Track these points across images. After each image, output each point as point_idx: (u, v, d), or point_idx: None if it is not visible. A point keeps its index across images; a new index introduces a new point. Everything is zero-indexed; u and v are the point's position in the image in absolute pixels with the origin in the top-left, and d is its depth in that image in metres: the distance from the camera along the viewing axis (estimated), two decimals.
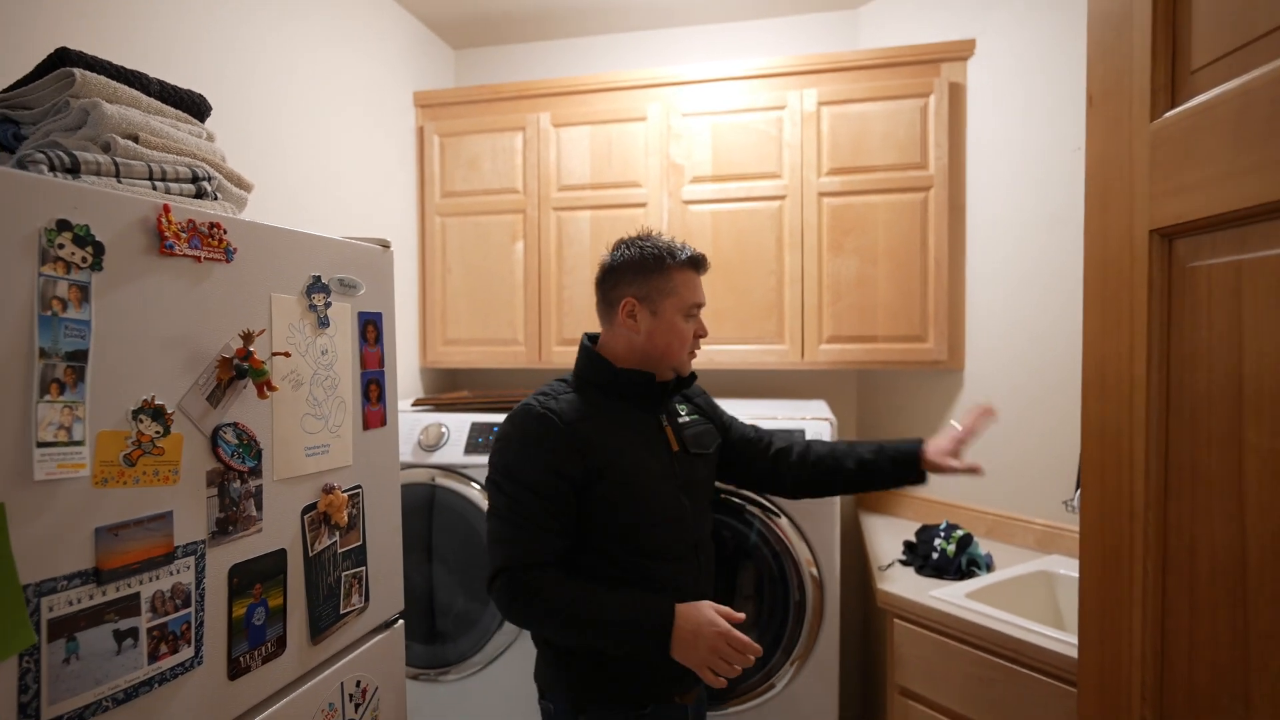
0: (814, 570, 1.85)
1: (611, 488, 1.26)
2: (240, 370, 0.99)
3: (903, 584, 1.77)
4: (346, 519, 1.21)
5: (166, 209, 0.91)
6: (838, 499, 1.86)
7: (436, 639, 2.08)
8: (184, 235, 0.93)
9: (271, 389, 1.03)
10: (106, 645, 0.83)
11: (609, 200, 2.36)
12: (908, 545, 1.96)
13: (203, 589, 0.95)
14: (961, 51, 2.12)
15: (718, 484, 1.57)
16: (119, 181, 0.94)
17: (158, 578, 0.89)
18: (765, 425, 1.74)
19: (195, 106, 1.15)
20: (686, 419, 1.42)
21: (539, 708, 1.37)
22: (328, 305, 1.18)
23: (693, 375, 1.43)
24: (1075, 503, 1.37)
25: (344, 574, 1.22)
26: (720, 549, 1.72)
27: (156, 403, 0.89)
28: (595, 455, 1.25)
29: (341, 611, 1.21)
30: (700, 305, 1.36)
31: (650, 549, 1.30)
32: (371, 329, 1.29)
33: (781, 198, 2.23)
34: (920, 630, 1.66)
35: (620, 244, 1.37)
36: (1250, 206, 0.64)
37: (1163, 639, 0.78)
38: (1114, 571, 0.85)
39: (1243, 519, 0.66)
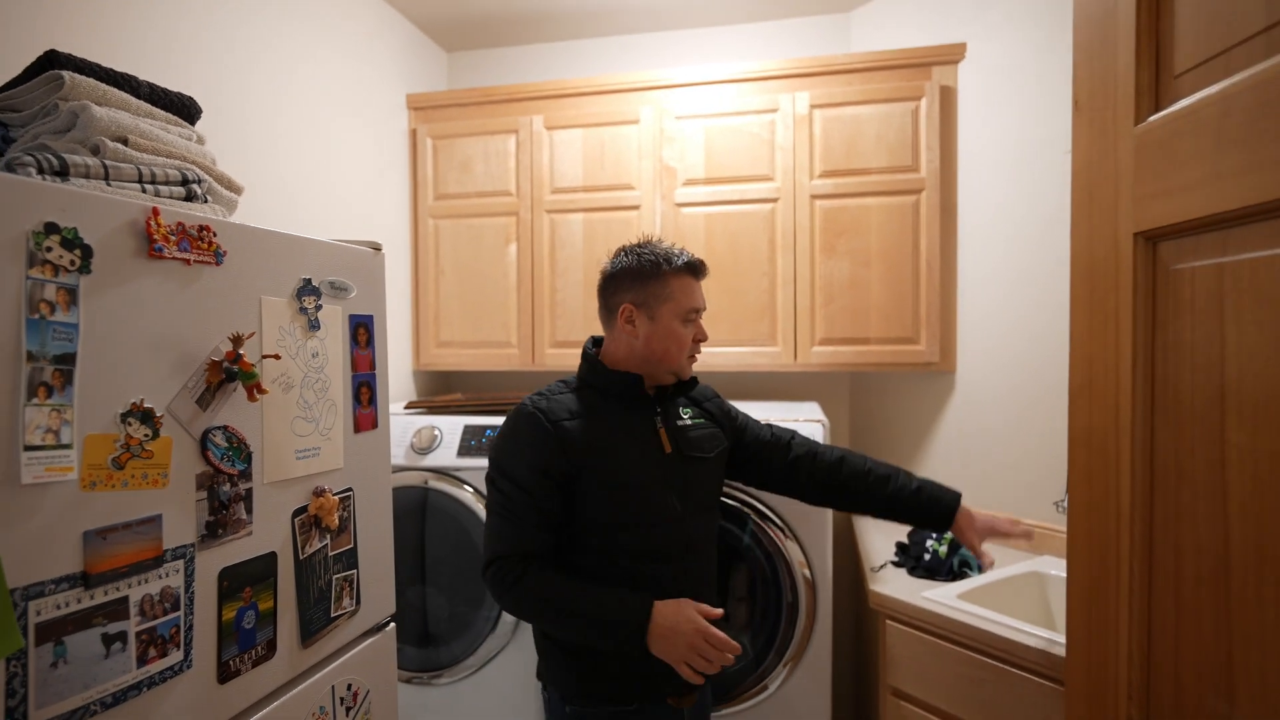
0: (806, 571, 1.85)
1: (595, 486, 1.30)
2: (230, 373, 0.99)
3: (895, 585, 1.78)
4: (337, 522, 1.21)
5: (156, 212, 0.90)
6: None
7: (429, 642, 2.07)
8: (173, 238, 0.93)
9: (261, 392, 1.03)
10: (95, 649, 0.83)
11: (602, 203, 2.37)
12: (900, 546, 1.97)
13: (192, 592, 0.95)
14: (952, 55, 2.14)
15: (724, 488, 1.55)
16: (108, 184, 0.94)
17: (146, 581, 0.89)
18: None
19: (185, 109, 1.15)
20: (688, 422, 1.41)
21: (540, 699, 1.39)
22: (318, 308, 1.18)
23: (693, 380, 1.45)
24: (1065, 504, 1.37)
25: (335, 577, 1.22)
26: None
27: (145, 406, 0.89)
28: (579, 454, 1.29)
29: (332, 615, 1.21)
30: (698, 310, 1.37)
31: (636, 548, 1.31)
32: (363, 331, 1.29)
33: (774, 200, 2.24)
34: (912, 631, 1.67)
35: (620, 251, 1.40)
36: (1232, 210, 0.65)
37: (1149, 639, 0.79)
38: (1101, 572, 0.85)
39: (1226, 519, 0.67)
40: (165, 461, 0.91)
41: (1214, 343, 0.69)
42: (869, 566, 1.93)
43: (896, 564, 1.93)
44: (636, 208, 2.34)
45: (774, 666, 1.86)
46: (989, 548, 1.47)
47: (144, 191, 0.98)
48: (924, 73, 2.16)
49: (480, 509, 2.00)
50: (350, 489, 1.26)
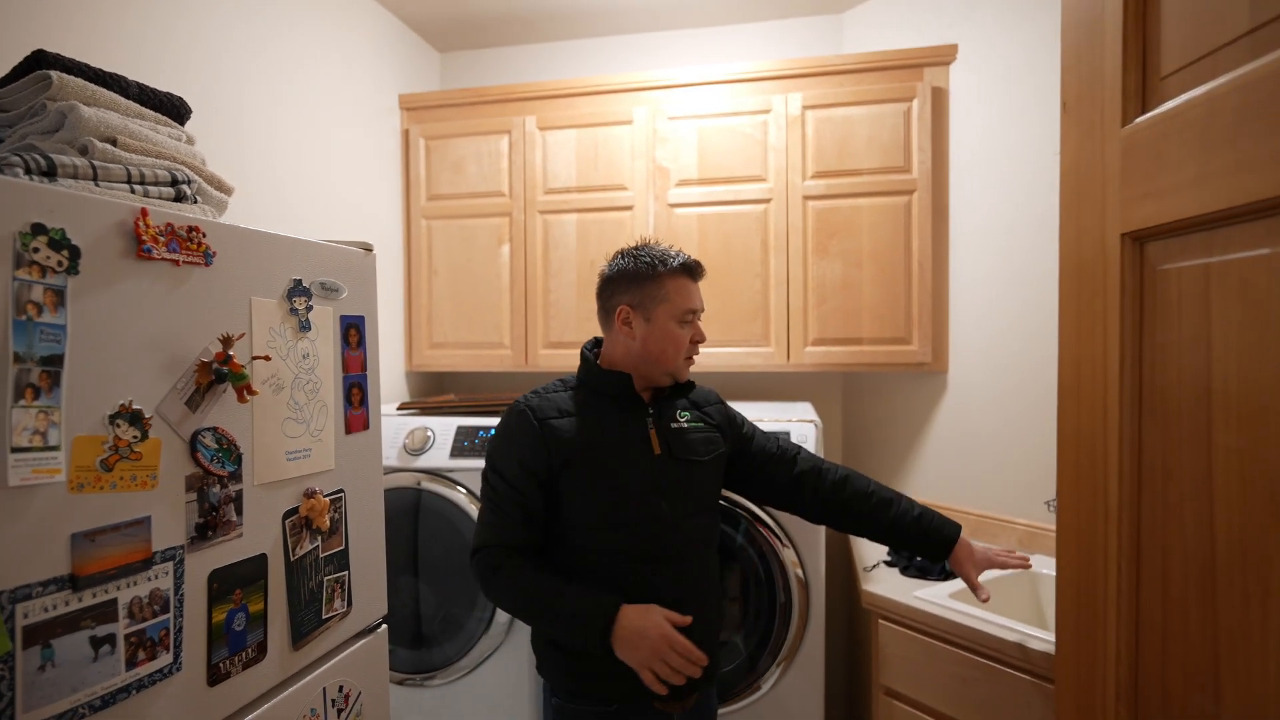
0: (800, 572, 1.85)
1: (580, 484, 1.31)
2: (220, 374, 0.99)
3: (887, 585, 1.78)
4: (329, 523, 1.21)
5: (144, 213, 0.90)
6: None
7: (422, 644, 2.07)
8: (162, 239, 0.92)
9: (251, 393, 1.03)
10: (83, 652, 0.82)
11: (595, 203, 2.37)
12: None
13: (181, 594, 0.95)
14: (944, 56, 2.14)
15: None
16: (96, 185, 0.94)
17: (135, 583, 0.89)
18: None
19: (175, 109, 1.15)
20: (684, 425, 1.40)
21: (534, 699, 1.39)
22: (309, 309, 1.17)
23: (690, 383, 1.45)
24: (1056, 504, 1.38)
25: (326, 579, 1.21)
26: None
27: (134, 407, 0.88)
28: (562, 451, 1.30)
29: (324, 616, 1.20)
30: (695, 311, 1.37)
31: (621, 549, 1.31)
32: (354, 332, 1.29)
33: (767, 201, 2.24)
34: (904, 630, 1.67)
35: (618, 254, 1.41)
36: (1217, 210, 0.66)
37: (1137, 636, 0.79)
38: (1090, 571, 0.86)
39: (1212, 518, 0.68)
40: (154, 463, 0.91)
41: (1200, 343, 0.69)
42: (861, 566, 1.93)
43: (889, 564, 1.94)
44: (630, 208, 2.34)
45: (768, 666, 1.86)
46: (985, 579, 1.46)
47: (133, 192, 0.98)
48: (916, 74, 2.17)
49: (473, 510, 2.00)
50: (342, 490, 1.26)
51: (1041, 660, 1.38)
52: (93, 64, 1.04)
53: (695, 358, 1.42)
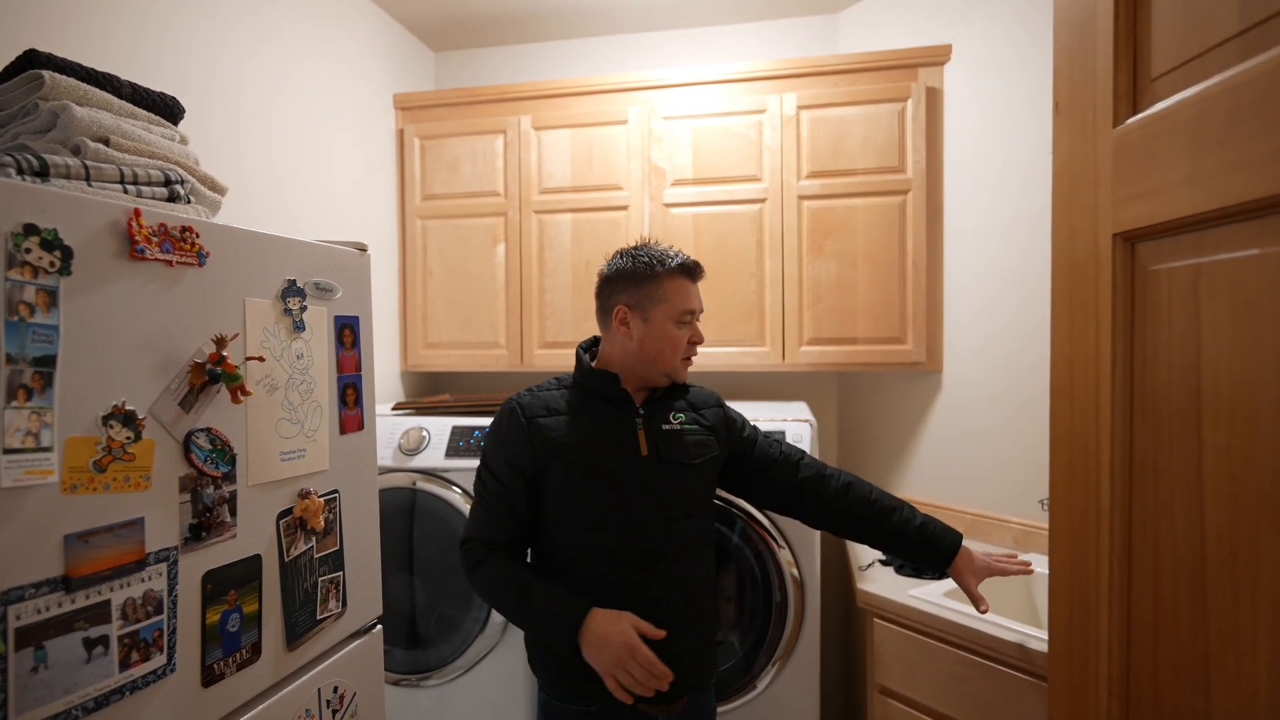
0: (795, 571, 1.86)
1: (563, 483, 1.31)
2: (213, 375, 0.99)
3: (882, 584, 1.79)
4: (323, 524, 1.21)
5: (137, 213, 0.90)
6: None
7: (417, 644, 2.07)
8: (155, 239, 0.92)
9: (245, 394, 1.03)
10: (76, 653, 0.82)
11: (590, 203, 2.37)
12: None
13: (175, 595, 0.94)
14: (938, 56, 2.15)
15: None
16: (89, 185, 0.93)
17: (129, 585, 0.89)
18: None
19: (168, 109, 1.14)
20: (676, 427, 1.38)
21: (529, 698, 1.41)
22: (303, 309, 1.17)
23: (685, 386, 1.45)
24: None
25: (321, 579, 1.21)
26: None
27: (127, 408, 0.88)
28: (547, 449, 1.31)
29: (318, 617, 1.20)
30: (692, 312, 1.37)
31: (603, 549, 1.30)
32: (348, 333, 1.29)
33: (762, 201, 2.25)
34: (899, 629, 1.68)
35: (616, 254, 1.41)
36: (1207, 211, 0.66)
37: (1128, 634, 0.80)
38: (1082, 569, 0.86)
39: (1202, 516, 0.68)
40: (147, 464, 0.91)
41: (1190, 343, 0.69)
42: (856, 565, 1.94)
43: (884, 563, 1.94)
44: (625, 208, 2.34)
45: (763, 665, 1.87)
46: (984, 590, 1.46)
47: (126, 192, 0.98)
48: (910, 74, 2.17)
49: (468, 510, 2.00)
50: (336, 491, 1.25)
51: (1036, 658, 1.39)
52: (88, 65, 1.04)
53: (693, 359, 1.42)
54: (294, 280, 1.16)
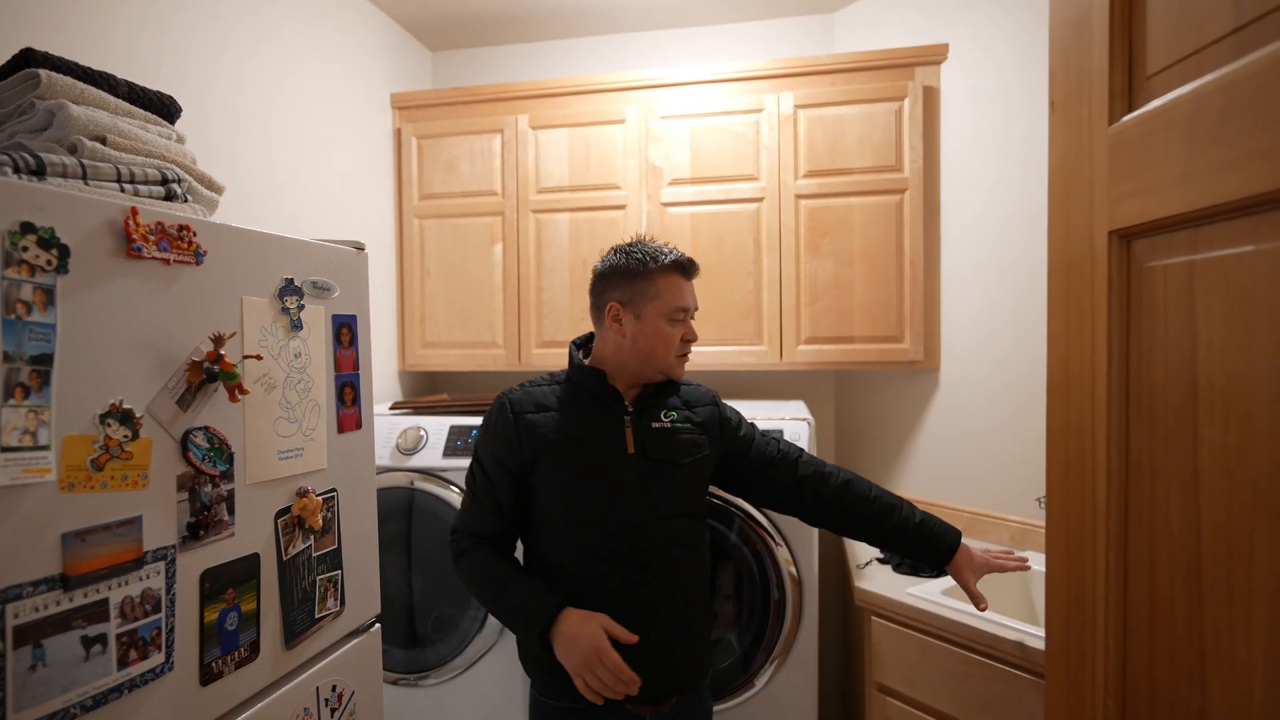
0: (793, 569, 1.86)
1: (549, 480, 1.32)
2: (211, 373, 0.99)
3: (880, 582, 1.79)
4: (321, 522, 1.21)
5: (134, 211, 0.90)
6: None
7: (416, 644, 2.07)
8: (152, 238, 0.92)
9: (243, 392, 1.03)
10: (74, 652, 0.82)
11: (588, 203, 2.37)
12: None
13: (173, 594, 0.94)
14: (935, 55, 2.15)
15: (711, 488, 1.51)
16: (86, 184, 0.93)
17: (127, 583, 0.89)
18: None
19: (165, 108, 1.14)
20: (667, 425, 1.37)
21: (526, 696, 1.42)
22: (300, 308, 1.17)
23: (678, 383, 1.44)
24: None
25: (319, 578, 1.21)
26: None
27: (125, 407, 0.88)
28: (534, 446, 1.31)
29: (316, 616, 1.20)
30: (686, 309, 1.36)
31: (589, 547, 1.30)
32: (346, 332, 1.29)
33: (759, 200, 2.25)
34: (897, 627, 1.68)
35: (610, 250, 1.40)
36: (1202, 208, 0.66)
37: (1124, 630, 0.80)
38: (1078, 566, 0.86)
39: (1198, 512, 0.68)
40: (145, 463, 0.91)
41: (1185, 339, 0.70)
42: (854, 564, 1.94)
43: (881, 561, 1.95)
44: (622, 207, 2.34)
45: (762, 664, 1.87)
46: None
47: (123, 191, 0.98)
48: (907, 73, 2.18)
49: None
50: (334, 489, 1.25)
51: (1033, 655, 1.39)
52: (87, 65, 1.04)
53: (689, 356, 1.41)
54: (291, 279, 1.16)
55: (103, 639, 0.85)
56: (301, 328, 1.18)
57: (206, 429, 1.00)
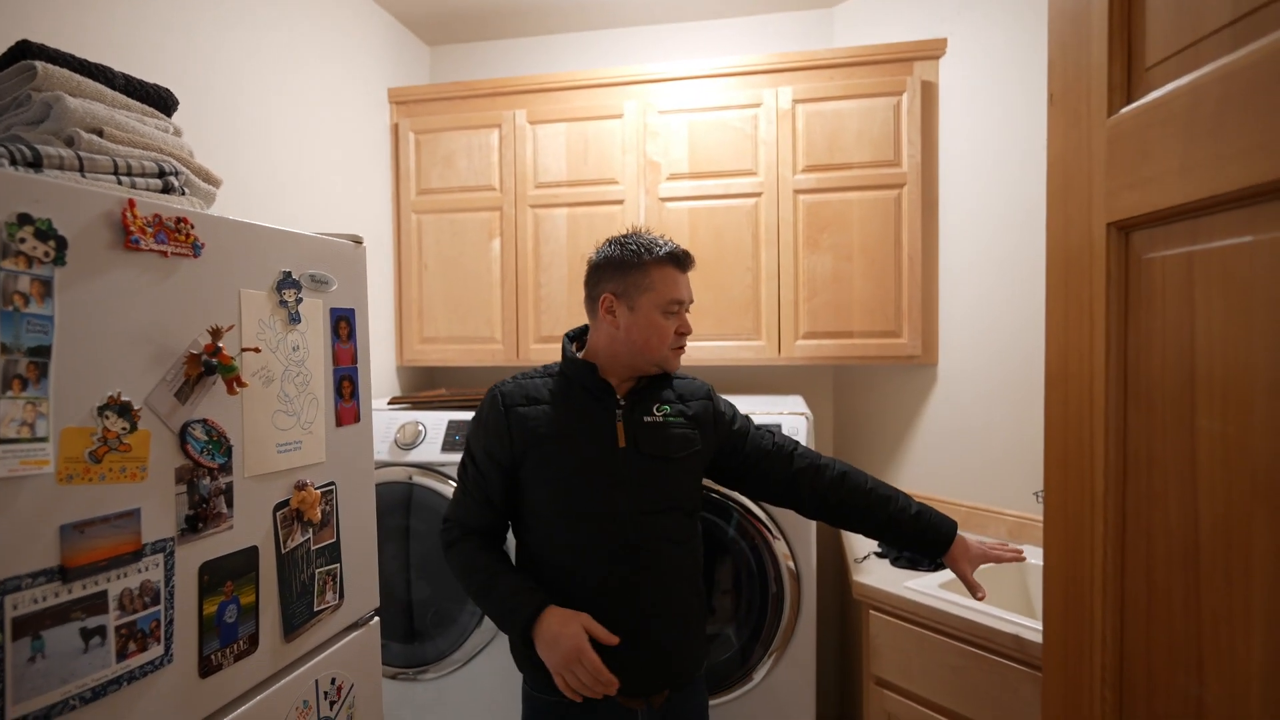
0: (791, 563, 1.86)
1: (538, 473, 1.32)
2: (209, 366, 0.98)
3: (878, 575, 1.80)
4: (320, 516, 1.21)
5: (131, 203, 0.90)
6: None
7: (414, 638, 2.07)
8: (150, 230, 0.92)
9: (241, 385, 1.02)
10: (73, 643, 0.82)
11: (586, 197, 2.36)
12: None
13: (172, 586, 0.94)
14: (933, 50, 2.15)
15: (708, 482, 1.51)
16: (83, 176, 0.93)
17: (125, 575, 0.88)
18: None
19: (162, 101, 1.14)
20: (659, 419, 1.36)
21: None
22: (299, 301, 1.17)
23: (666, 376, 1.42)
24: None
25: (318, 571, 1.21)
26: None
27: (123, 399, 0.88)
28: (525, 439, 1.31)
29: (315, 609, 1.20)
30: (680, 301, 1.35)
31: (579, 541, 1.30)
32: (344, 325, 1.28)
33: (758, 195, 2.25)
34: (895, 621, 1.69)
35: (605, 242, 1.39)
36: (1200, 199, 0.66)
37: (1122, 621, 0.80)
38: (1076, 557, 0.87)
39: (1195, 504, 0.68)
40: (143, 455, 0.91)
41: (1183, 330, 0.70)
42: (852, 557, 1.94)
43: (879, 555, 1.95)
44: (620, 202, 2.34)
45: (760, 657, 1.87)
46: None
47: (120, 183, 0.97)
48: (905, 68, 2.18)
49: None
50: (333, 483, 1.25)
51: (1031, 648, 1.39)
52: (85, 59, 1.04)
53: (684, 349, 1.40)
54: (289, 272, 1.15)
55: (102, 631, 0.85)
56: (300, 321, 1.18)
57: (205, 421, 1.00)
